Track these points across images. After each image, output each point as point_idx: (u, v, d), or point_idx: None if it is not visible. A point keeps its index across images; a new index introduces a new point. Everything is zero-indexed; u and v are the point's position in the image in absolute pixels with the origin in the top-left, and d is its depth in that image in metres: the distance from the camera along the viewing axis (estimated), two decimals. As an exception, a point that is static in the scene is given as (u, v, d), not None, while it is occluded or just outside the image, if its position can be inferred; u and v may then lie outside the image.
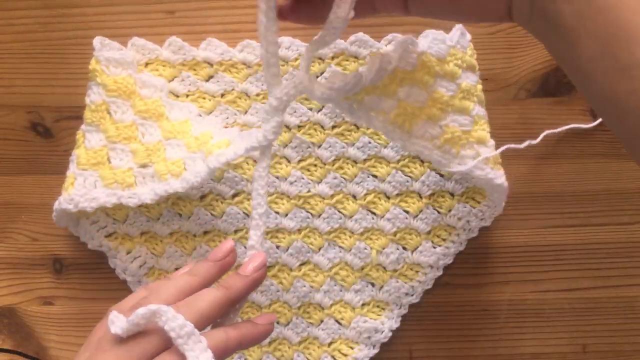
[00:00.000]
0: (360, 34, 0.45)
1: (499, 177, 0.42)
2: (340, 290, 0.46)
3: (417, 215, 0.46)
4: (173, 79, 0.46)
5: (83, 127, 0.43)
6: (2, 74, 0.48)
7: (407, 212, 0.46)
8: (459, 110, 0.40)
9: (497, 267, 0.48)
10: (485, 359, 0.48)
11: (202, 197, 0.45)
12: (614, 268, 0.48)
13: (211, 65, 0.46)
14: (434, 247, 0.46)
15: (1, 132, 0.48)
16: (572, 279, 0.48)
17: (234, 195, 0.45)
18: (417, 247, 0.46)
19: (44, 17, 0.47)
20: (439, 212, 0.46)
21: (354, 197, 0.46)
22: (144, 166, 0.42)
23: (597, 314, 0.48)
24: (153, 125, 0.43)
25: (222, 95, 0.46)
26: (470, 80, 0.42)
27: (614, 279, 0.48)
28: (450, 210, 0.46)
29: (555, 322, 0.48)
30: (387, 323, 0.46)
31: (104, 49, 0.43)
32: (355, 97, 0.36)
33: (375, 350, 0.46)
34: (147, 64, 0.46)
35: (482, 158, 0.40)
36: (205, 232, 0.46)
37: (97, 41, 0.43)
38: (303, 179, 0.45)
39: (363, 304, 0.46)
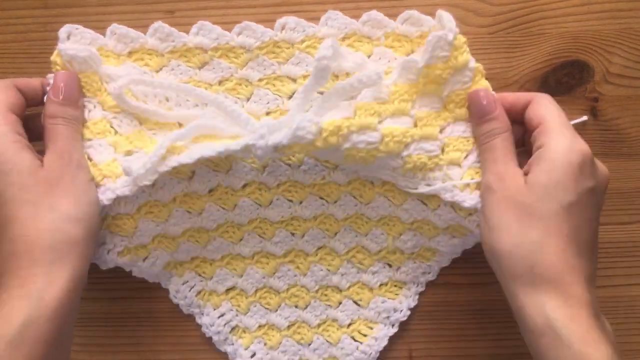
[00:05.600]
0: (374, 12, 0.44)
1: (468, 200, 0.42)
2: (358, 272, 0.47)
3: (435, 209, 0.44)
4: (161, 69, 0.44)
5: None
6: (2, 74, 0.48)
7: (425, 204, 0.45)
8: (423, 137, 0.41)
9: (497, 266, 0.48)
10: (485, 359, 0.48)
11: (211, 191, 0.44)
12: (614, 268, 0.48)
13: (205, 51, 0.44)
14: (453, 237, 0.45)
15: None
16: (572, 278, 0.48)
17: (244, 186, 0.45)
18: (435, 237, 0.46)
19: (44, 17, 0.47)
20: (457, 212, 0.44)
21: (372, 183, 0.45)
22: (129, 153, 0.42)
23: (597, 314, 0.48)
24: (128, 117, 0.43)
25: (220, 83, 0.44)
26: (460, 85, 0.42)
27: (614, 279, 0.48)
28: (470, 214, 0.43)
29: (555, 321, 0.48)
30: (405, 302, 0.47)
31: (73, 38, 0.43)
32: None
33: (395, 330, 0.48)
34: (130, 54, 0.44)
35: (449, 184, 0.42)
36: (218, 226, 0.46)
37: (63, 31, 0.43)
38: (317, 166, 0.44)
39: (380, 285, 0.47)
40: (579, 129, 0.47)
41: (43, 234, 0.37)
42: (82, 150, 0.41)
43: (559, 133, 0.38)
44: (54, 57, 0.42)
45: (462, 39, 0.41)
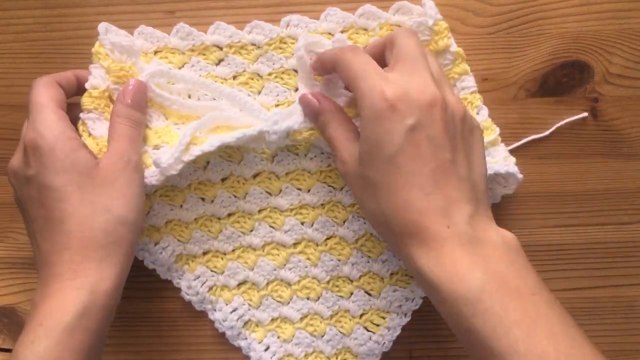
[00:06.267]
0: (368, 6, 0.47)
1: None
2: (368, 262, 0.48)
3: None
4: (183, 66, 0.48)
5: (82, 115, 0.43)
6: (2, 74, 0.48)
7: None
8: None
9: (497, 267, 0.48)
10: (485, 359, 0.48)
11: (224, 179, 0.48)
12: (614, 268, 0.48)
13: (220, 48, 0.47)
14: None
15: (1, 132, 0.48)
16: (572, 278, 0.48)
17: (255, 175, 0.48)
18: None
19: (44, 16, 0.47)
20: None
21: None
22: (157, 147, 0.44)
23: (597, 314, 0.48)
24: (157, 112, 0.45)
25: (234, 78, 0.48)
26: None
27: (614, 279, 0.48)
28: None
29: (555, 321, 0.48)
30: (417, 290, 0.48)
31: (110, 34, 0.44)
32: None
33: (407, 319, 0.48)
34: (156, 52, 0.47)
35: None
36: (230, 214, 0.48)
37: (102, 27, 0.44)
38: (323, 153, 0.47)
39: (392, 274, 0.48)
40: (579, 128, 0.47)
41: (97, 233, 0.39)
42: (140, 153, 0.42)
43: (361, 99, 0.37)
44: (96, 49, 0.44)
45: (443, 24, 0.44)
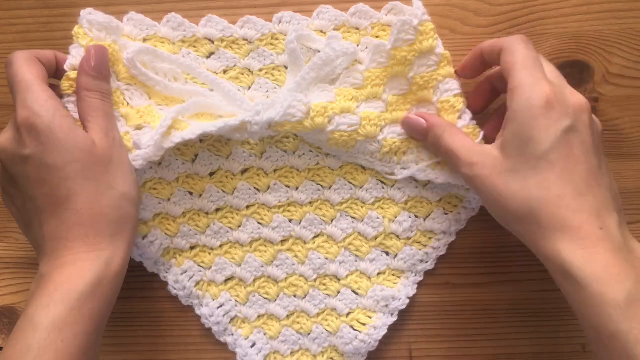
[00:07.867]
0: (360, 5, 0.46)
1: (441, 177, 0.45)
2: (356, 261, 0.48)
3: (426, 185, 0.47)
4: None
5: (63, 100, 0.42)
6: (2, 74, 0.48)
7: (416, 181, 0.47)
8: (393, 121, 0.45)
9: (497, 266, 0.48)
10: (485, 359, 0.48)
11: (212, 174, 0.47)
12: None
13: (212, 41, 0.47)
14: (446, 214, 0.48)
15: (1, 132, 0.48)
16: (572, 278, 0.48)
17: (244, 171, 0.47)
18: (429, 214, 0.48)
19: (45, 16, 0.47)
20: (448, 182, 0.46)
21: (363, 167, 0.47)
22: (139, 128, 0.44)
23: (597, 314, 0.48)
24: (139, 90, 0.45)
25: (225, 72, 0.47)
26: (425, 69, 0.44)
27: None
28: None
29: (555, 321, 0.48)
30: (403, 290, 0.48)
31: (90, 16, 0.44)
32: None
33: (394, 319, 0.48)
34: (145, 40, 0.46)
35: (424, 165, 0.45)
36: (218, 209, 0.48)
37: (84, 12, 0.43)
38: (311, 151, 0.47)
39: (379, 273, 0.48)
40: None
41: (106, 210, 0.40)
42: (117, 128, 0.42)
43: (518, 88, 0.38)
44: (75, 30, 0.43)
45: (430, 26, 0.43)
